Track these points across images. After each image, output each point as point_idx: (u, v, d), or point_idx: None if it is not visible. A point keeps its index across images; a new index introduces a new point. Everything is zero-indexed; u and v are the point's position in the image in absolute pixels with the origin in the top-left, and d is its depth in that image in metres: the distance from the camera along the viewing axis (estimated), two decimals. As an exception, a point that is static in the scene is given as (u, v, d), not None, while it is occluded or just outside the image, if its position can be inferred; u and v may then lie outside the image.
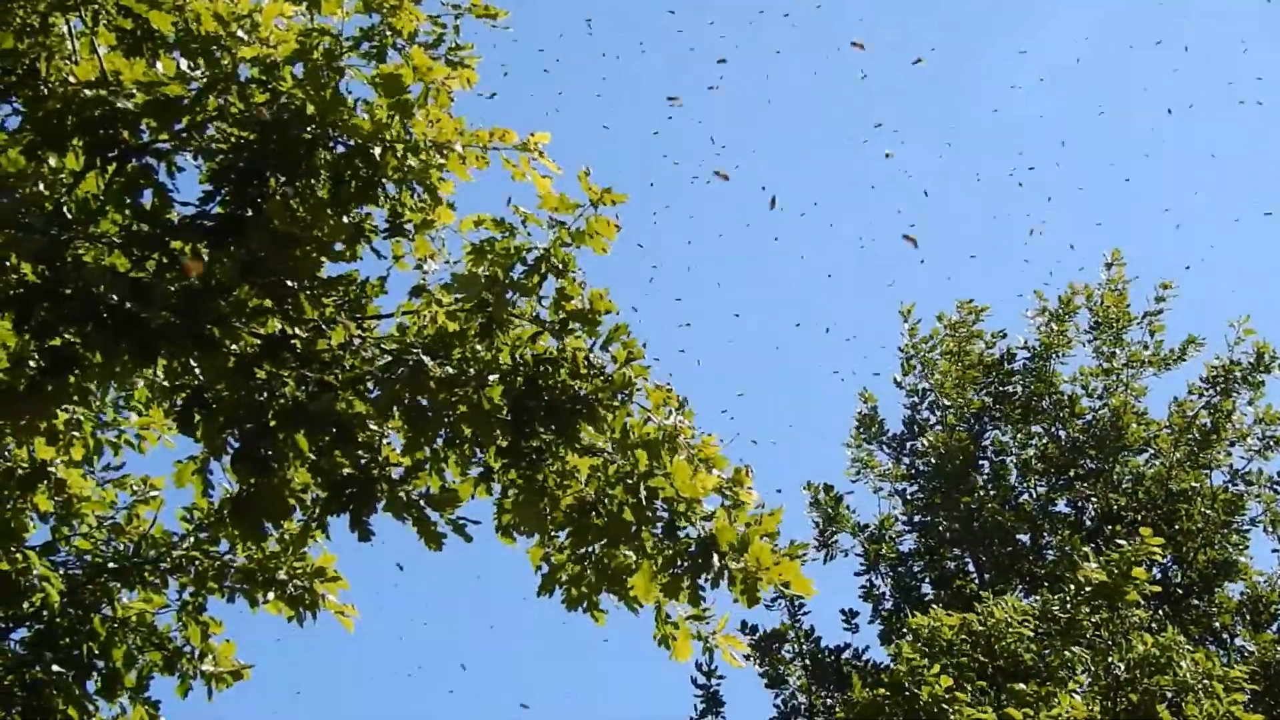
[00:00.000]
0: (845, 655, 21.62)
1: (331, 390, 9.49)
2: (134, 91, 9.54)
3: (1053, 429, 23.78)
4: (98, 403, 11.86)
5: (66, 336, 9.02)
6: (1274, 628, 21.26)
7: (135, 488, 12.45)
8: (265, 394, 9.41)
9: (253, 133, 9.52)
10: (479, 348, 9.58)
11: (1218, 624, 21.52)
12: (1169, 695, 16.65)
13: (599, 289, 9.69)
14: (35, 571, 11.75)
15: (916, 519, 23.54)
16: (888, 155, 37.29)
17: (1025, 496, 23.47)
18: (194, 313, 8.93)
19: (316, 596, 11.84)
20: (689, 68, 41.84)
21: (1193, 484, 22.56)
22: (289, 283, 9.32)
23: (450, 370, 9.47)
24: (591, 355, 9.65)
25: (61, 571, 11.96)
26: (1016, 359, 24.31)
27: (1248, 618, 21.59)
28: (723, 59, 34.75)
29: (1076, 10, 42.64)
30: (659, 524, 9.57)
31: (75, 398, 9.99)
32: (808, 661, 21.59)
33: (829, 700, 21.16)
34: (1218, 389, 23.09)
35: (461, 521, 10.03)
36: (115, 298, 8.81)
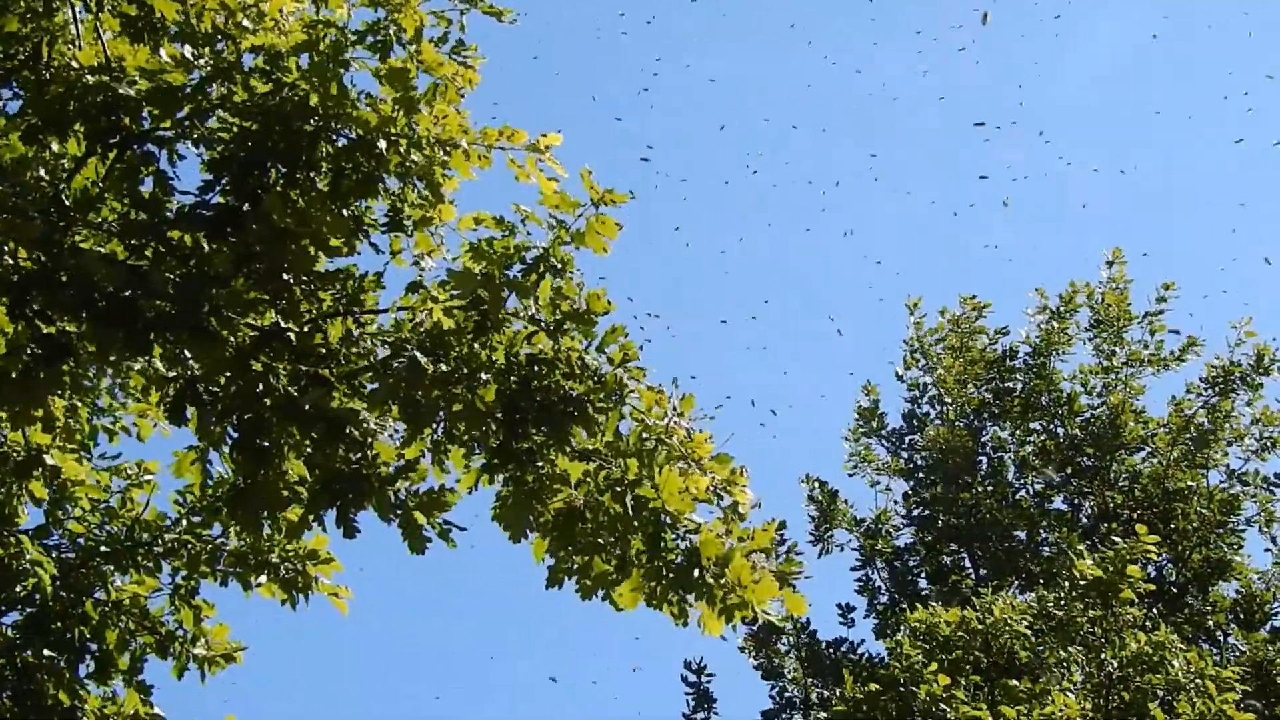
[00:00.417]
0: (842, 649, 21.66)
1: (326, 385, 9.47)
2: (137, 78, 9.54)
3: (1051, 426, 23.78)
4: (94, 390, 11.82)
5: (62, 324, 9.00)
6: (1267, 627, 21.28)
7: (129, 472, 12.42)
8: (261, 386, 9.38)
9: (255, 123, 9.48)
10: (475, 346, 9.53)
11: (1211, 623, 21.55)
12: (1161, 693, 16.68)
13: (596, 289, 9.63)
14: (28, 556, 11.73)
15: (914, 513, 23.55)
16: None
17: (1023, 493, 23.48)
18: (190, 303, 8.90)
19: (309, 579, 11.83)
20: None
21: (1189, 483, 22.59)
22: (286, 276, 9.29)
23: (445, 368, 9.43)
24: (586, 356, 9.59)
25: (54, 555, 11.95)
26: (1018, 355, 24.31)
27: (1241, 617, 21.63)
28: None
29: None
30: (646, 534, 9.50)
31: (70, 385, 9.96)
32: (804, 654, 21.65)
33: (824, 693, 21.21)
34: (1217, 389, 23.08)
35: (447, 527, 9.98)
36: (112, 286, 8.79)
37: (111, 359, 9.33)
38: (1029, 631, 17.14)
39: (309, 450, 9.52)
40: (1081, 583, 17.23)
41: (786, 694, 21.66)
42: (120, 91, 9.41)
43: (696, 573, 9.39)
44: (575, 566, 9.87)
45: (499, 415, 9.48)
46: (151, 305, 8.81)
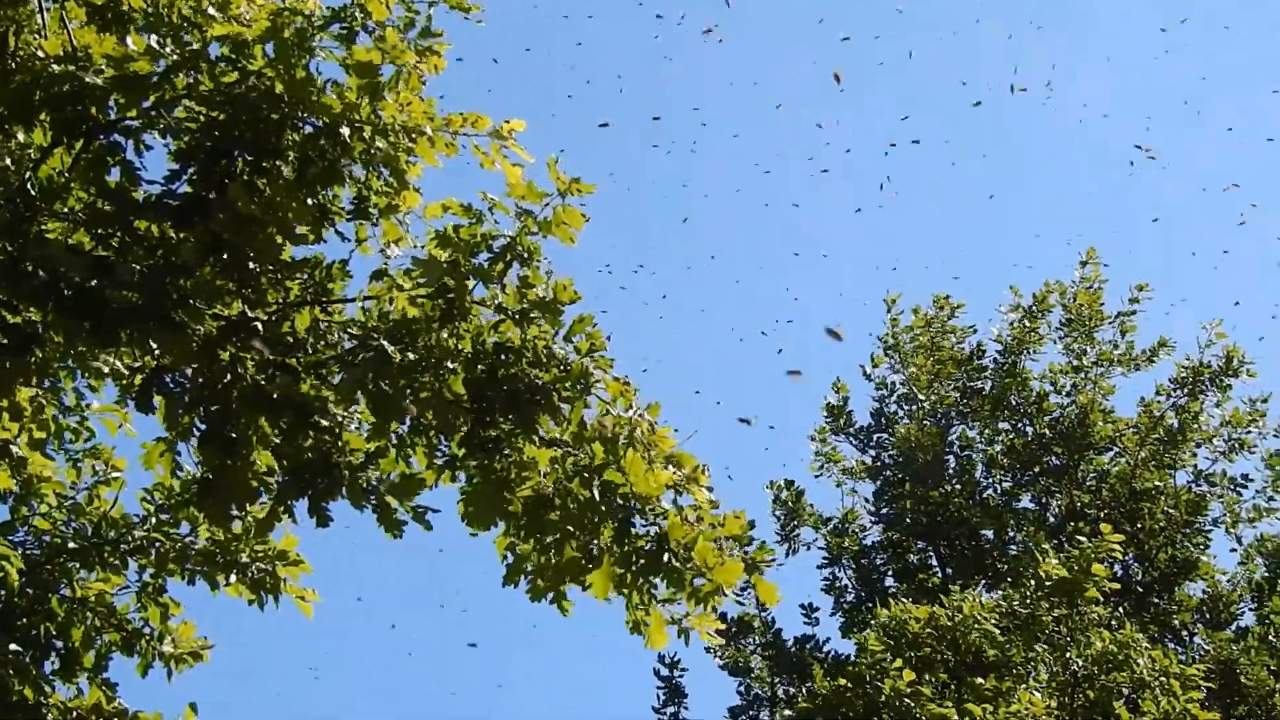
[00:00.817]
0: (807, 646, 21.67)
1: (294, 374, 9.44)
2: (103, 67, 9.48)
3: (1020, 425, 23.83)
4: (60, 389, 11.78)
5: (28, 314, 8.95)
6: (1232, 627, 21.36)
7: (96, 469, 12.37)
8: (228, 376, 9.35)
9: (221, 112, 9.45)
10: (442, 335, 9.52)
11: (1176, 622, 21.64)
12: (1126, 692, 16.72)
13: (564, 279, 9.64)
14: (-6, 551, 11.67)
15: (882, 511, 23.58)
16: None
17: (990, 491, 23.53)
18: (157, 293, 8.86)
19: (278, 580, 11.79)
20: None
21: (1157, 483, 22.66)
22: (253, 265, 9.26)
23: (412, 357, 9.41)
24: (553, 345, 9.59)
25: (20, 551, 11.88)
26: (987, 354, 24.35)
27: (1206, 616, 21.71)
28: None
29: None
30: (615, 519, 9.52)
31: (37, 376, 9.91)
32: (770, 652, 21.66)
33: (790, 690, 21.22)
34: (1186, 391, 23.15)
35: (422, 510, 9.99)
36: (78, 276, 8.74)
37: (78, 349, 9.28)
38: (996, 630, 17.16)
39: (277, 440, 9.49)
40: (1047, 582, 17.26)
41: (753, 691, 21.66)
42: (86, 80, 9.35)
43: (666, 556, 9.42)
44: (535, 566, 9.88)
45: (466, 404, 9.47)
46: (118, 295, 8.76)
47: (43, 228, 9.36)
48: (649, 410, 9.71)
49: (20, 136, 9.76)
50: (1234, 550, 22.73)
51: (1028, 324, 24.02)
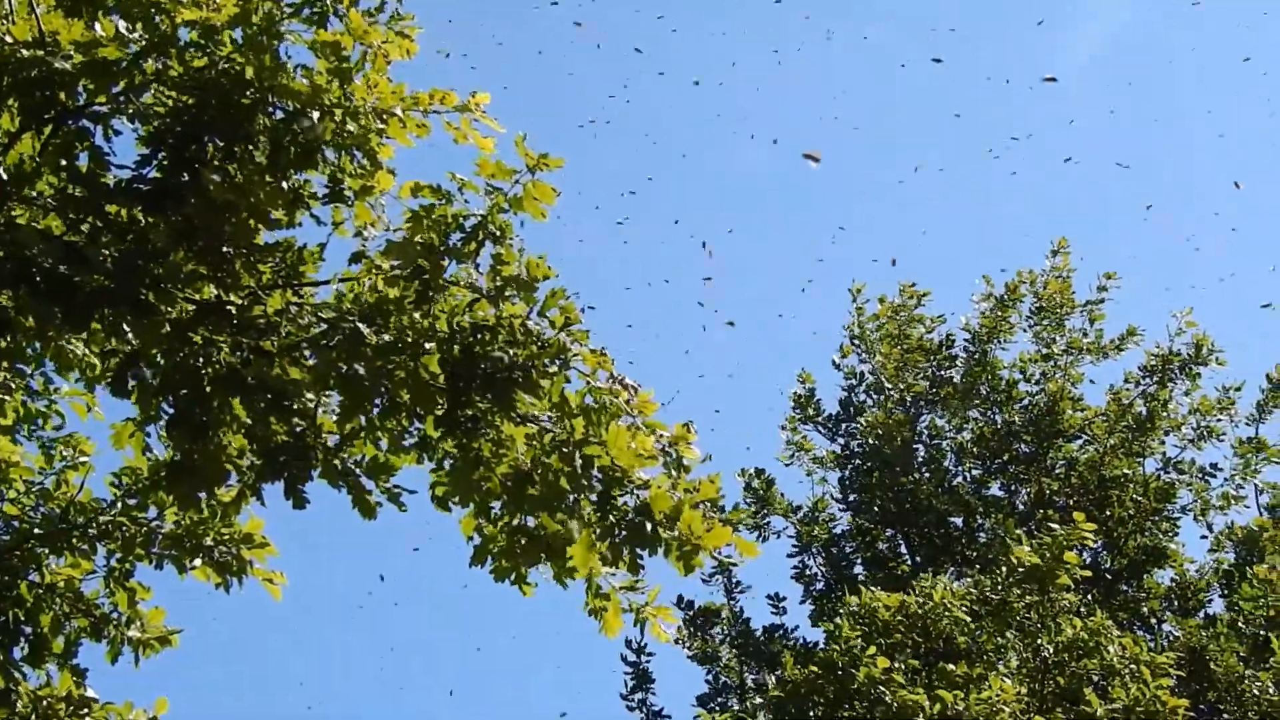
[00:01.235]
0: (776, 635, 21.69)
1: (268, 357, 9.45)
2: (71, 53, 9.46)
3: (989, 413, 23.88)
4: (29, 374, 11.76)
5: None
6: (1201, 614, 21.44)
7: (64, 453, 12.34)
8: (201, 360, 9.35)
9: (191, 97, 9.45)
10: (416, 316, 9.54)
11: (1146, 609, 21.69)
12: (1096, 678, 16.78)
13: (536, 256, 9.67)
14: (-40, 537, 11.65)
15: (851, 500, 23.59)
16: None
17: (960, 480, 23.57)
18: (129, 277, 8.85)
19: (244, 563, 11.79)
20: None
21: (1125, 471, 22.71)
22: (225, 249, 9.26)
23: (387, 338, 9.44)
24: (529, 322, 9.63)
25: (-12, 537, 11.86)
26: (956, 343, 24.39)
27: (1176, 604, 21.78)
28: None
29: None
30: (595, 492, 9.58)
31: (8, 361, 9.90)
32: (740, 640, 21.67)
33: (759, 678, 21.25)
34: (1155, 378, 23.23)
35: (397, 490, 10.02)
36: (49, 261, 8.73)
37: (49, 335, 9.27)
38: (967, 617, 17.21)
39: (249, 423, 9.50)
40: (1019, 569, 17.31)
41: (722, 680, 21.66)
42: (55, 66, 9.34)
43: (650, 527, 9.48)
44: (502, 546, 9.92)
45: (443, 384, 9.50)
46: (90, 280, 8.76)
47: (12, 213, 9.34)
48: (627, 388, 9.75)
49: (-11, 122, 9.75)
50: (1204, 538, 22.81)
51: (999, 313, 24.05)
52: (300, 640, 38.19)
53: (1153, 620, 21.64)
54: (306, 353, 9.58)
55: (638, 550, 9.64)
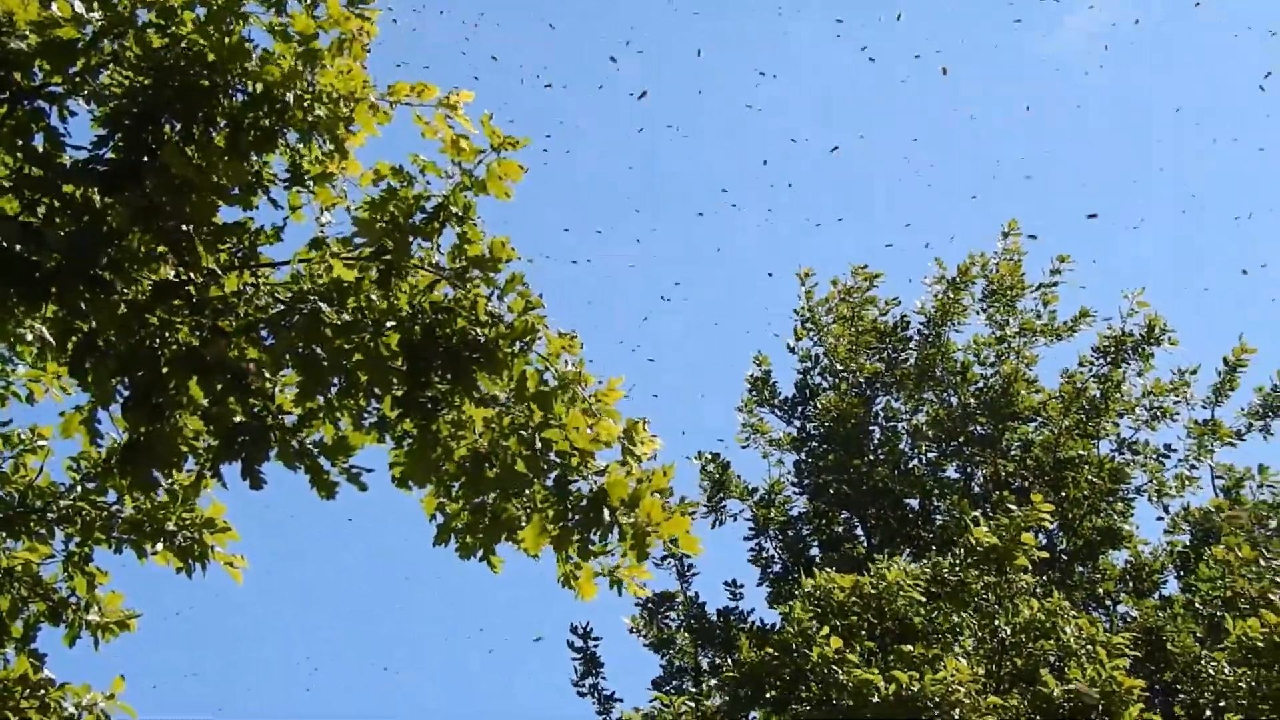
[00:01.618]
0: (731, 618, 21.73)
1: (225, 337, 9.42)
2: (27, 33, 9.39)
3: (944, 395, 23.93)
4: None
5: (-47, 280, 8.89)
6: (1156, 595, 21.57)
7: (22, 437, 12.27)
8: (158, 340, 9.32)
9: (148, 78, 9.40)
10: (374, 296, 9.54)
11: (1102, 590, 21.82)
12: (1053, 659, 16.86)
13: (500, 236, 9.67)
14: (-82, 520, 11.59)
15: (807, 482, 23.64)
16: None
17: (915, 462, 23.63)
18: (85, 257, 8.82)
19: (206, 548, 11.76)
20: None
21: (1080, 452, 22.80)
22: (184, 228, 9.23)
23: (347, 318, 9.42)
24: (490, 303, 9.63)
25: (-54, 522, 11.80)
26: (911, 326, 24.42)
27: (1131, 585, 21.91)
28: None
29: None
30: (551, 477, 9.59)
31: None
32: (694, 625, 21.71)
33: (715, 661, 21.29)
34: (1108, 359, 23.31)
35: (356, 470, 10.01)
36: (4, 241, 8.69)
37: (3, 314, 9.21)
38: (922, 597, 17.27)
39: (206, 405, 9.47)
40: (977, 550, 17.37)
41: (676, 664, 21.69)
42: (10, 46, 9.28)
43: (607, 514, 9.50)
44: (465, 524, 9.93)
45: (403, 364, 9.49)
46: (46, 260, 8.72)
47: (-32, 193, 9.29)
48: (609, 391, 9.77)
49: (-56, 102, 9.67)
50: (1160, 519, 22.93)
51: (951, 295, 24.09)
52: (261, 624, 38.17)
53: (1108, 601, 21.76)
54: (264, 332, 9.56)
55: (590, 536, 9.67)
